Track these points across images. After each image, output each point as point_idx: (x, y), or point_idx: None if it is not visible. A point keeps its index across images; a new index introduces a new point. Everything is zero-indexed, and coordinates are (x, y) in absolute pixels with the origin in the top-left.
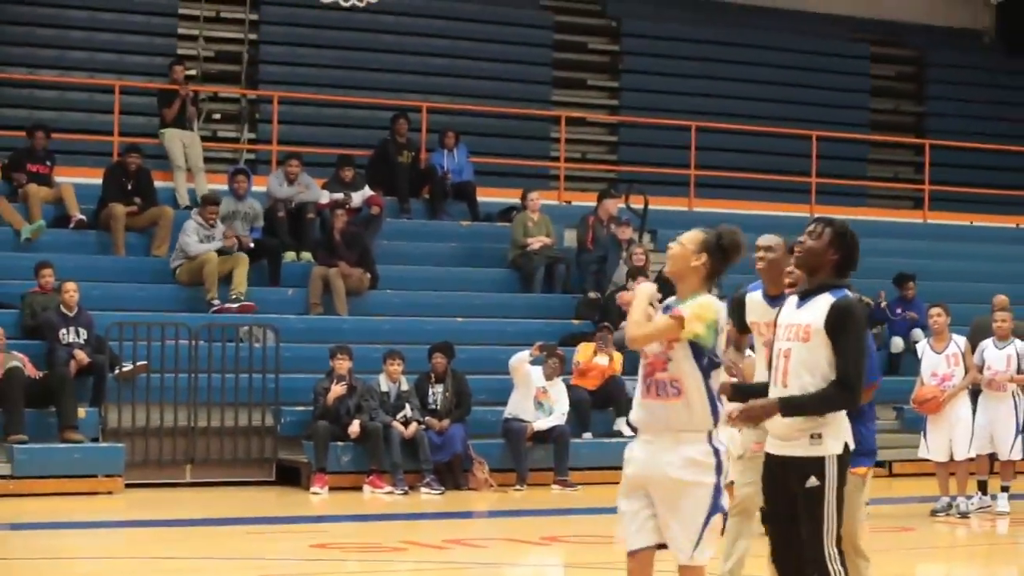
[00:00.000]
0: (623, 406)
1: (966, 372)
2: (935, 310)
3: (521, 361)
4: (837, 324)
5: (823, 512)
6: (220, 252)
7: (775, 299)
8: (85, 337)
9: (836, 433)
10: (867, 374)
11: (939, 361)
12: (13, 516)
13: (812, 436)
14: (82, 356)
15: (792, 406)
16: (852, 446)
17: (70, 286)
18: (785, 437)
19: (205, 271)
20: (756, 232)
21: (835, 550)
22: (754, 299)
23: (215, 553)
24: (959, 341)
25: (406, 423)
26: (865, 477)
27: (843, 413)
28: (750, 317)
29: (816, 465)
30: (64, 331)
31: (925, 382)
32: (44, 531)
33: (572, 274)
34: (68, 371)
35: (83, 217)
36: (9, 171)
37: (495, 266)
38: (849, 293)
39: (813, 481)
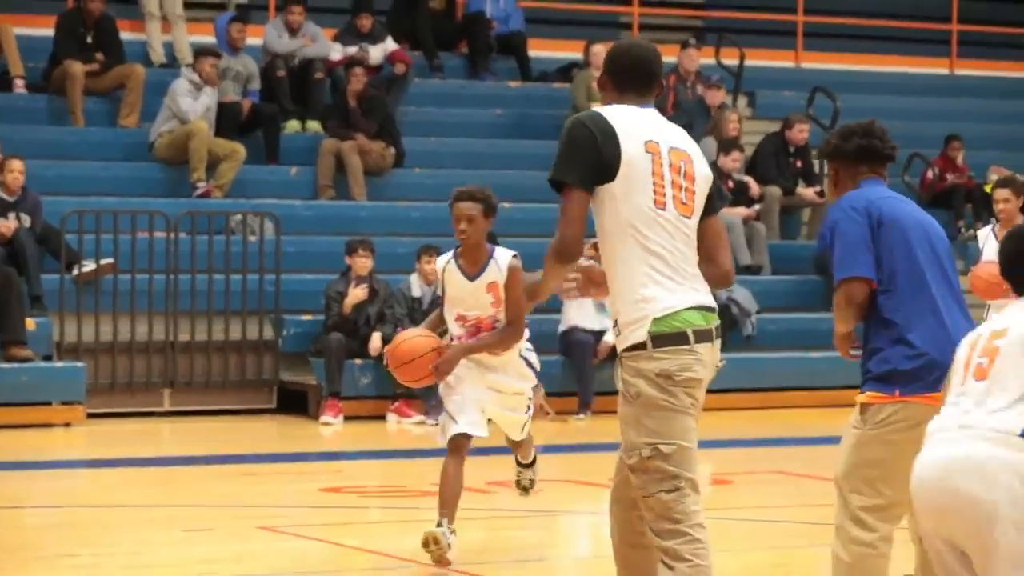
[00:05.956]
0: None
1: None
2: (1002, 192)
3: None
4: None
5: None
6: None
7: None
8: (28, 225)
9: None
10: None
11: None
12: None
13: None
14: (8, 225)
15: None
16: None
17: (15, 164)
18: None
19: (192, 144)
20: (881, 96)
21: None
22: None
23: (201, 499)
24: None
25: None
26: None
27: None
28: None
29: None
30: (2, 220)
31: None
32: None
33: None
34: (12, 271)
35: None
36: None
37: (551, 138)
38: None
39: None
